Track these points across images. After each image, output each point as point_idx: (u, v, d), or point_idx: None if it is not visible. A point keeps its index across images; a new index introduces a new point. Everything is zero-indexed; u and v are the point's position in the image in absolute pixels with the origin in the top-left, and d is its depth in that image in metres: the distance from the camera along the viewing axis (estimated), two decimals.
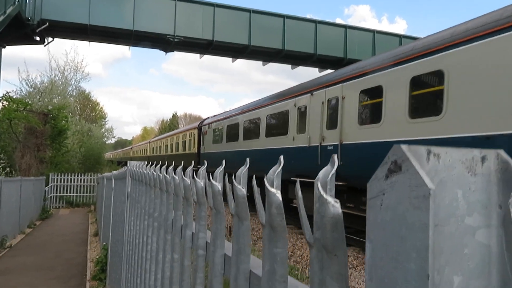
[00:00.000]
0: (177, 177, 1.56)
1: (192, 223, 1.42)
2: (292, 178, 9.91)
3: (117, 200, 4.83)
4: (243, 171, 0.96)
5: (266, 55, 17.09)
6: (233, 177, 0.97)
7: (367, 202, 0.47)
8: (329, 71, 15.34)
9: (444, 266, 0.44)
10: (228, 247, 1.08)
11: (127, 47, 17.09)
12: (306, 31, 16.50)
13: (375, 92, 8.03)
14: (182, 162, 2.45)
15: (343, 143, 8.72)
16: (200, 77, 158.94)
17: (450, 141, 6.20)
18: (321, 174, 0.62)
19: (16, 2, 11.49)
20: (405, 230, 0.41)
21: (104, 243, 7.32)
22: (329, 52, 16.79)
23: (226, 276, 1.08)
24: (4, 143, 18.49)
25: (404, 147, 0.42)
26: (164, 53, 16.38)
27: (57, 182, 18.17)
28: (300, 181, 0.66)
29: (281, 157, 0.80)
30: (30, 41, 14.15)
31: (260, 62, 18.45)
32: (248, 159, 0.99)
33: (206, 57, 17.56)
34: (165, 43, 15.24)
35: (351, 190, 8.53)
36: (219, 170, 1.14)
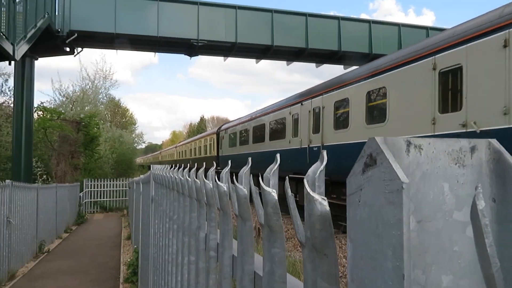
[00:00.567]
0: (190, 179, 1.56)
1: (205, 225, 1.42)
2: (289, 176, 11.05)
3: (144, 204, 4.91)
4: (244, 170, 0.94)
5: (289, 54, 17.01)
6: (240, 177, 0.96)
7: (347, 199, 0.44)
8: (354, 67, 15.11)
9: (431, 265, 0.41)
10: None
11: (153, 53, 17.42)
12: (330, 29, 16.31)
13: (344, 103, 9.84)
14: (204, 164, 2.47)
15: (324, 144, 10.43)
16: (225, 79, 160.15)
17: None
18: (310, 171, 0.59)
19: (46, 15, 11.93)
20: (381, 227, 0.38)
21: (135, 246, 7.48)
22: (354, 48, 16.52)
23: (235, 278, 1.06)
24: (41, 152, 19.23)
25: (378, 139, 0.39)
26: (189, 57, 16.60)
27: (91, 188, 18.70)
28: (295, 178, 0.66)
29: (278, 156, 0.78)
30: (60, 52, 14.65)
31: (284, 62, 18.38)
32: (250, 159, 0.97)
33: (231, 59, 17.68)
34: (189, 47, 15.44)
35: (334, 184, 10.10)
36: (225, 171, 1.13)
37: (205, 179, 1.28)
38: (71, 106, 22.62)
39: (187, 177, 1.62)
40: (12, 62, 10.17)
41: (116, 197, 19.33)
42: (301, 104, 11.91)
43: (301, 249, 0.61)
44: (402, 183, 0.36)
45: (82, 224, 15.07)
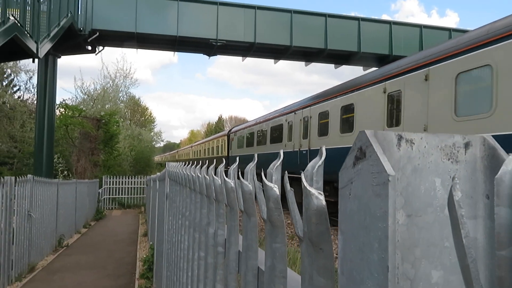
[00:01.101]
0: (200, 175, 1.58)
1: (214, 221, 1.43)
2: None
3: (160, 201, 4.98)
4: (250, 166, 0.95)
5: (308, 55, 16.94)
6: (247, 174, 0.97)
7: (338, 192, 0.45)
8: (373, 69, 14.95)
9: (420, 259, 0.41)
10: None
11: (172, 53, 17.61)
12: (349, 29, 16.18)
13: (326, 115, 11.54)
14: (214, 161, 2.49)
15: (311, 148, 12.14)
16: (244, 79, 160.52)
17: None
18: (309, 166, 0.60)
19: (69, 15, 12.20)
20: (369, 220, 0.39)
21: (151, 242, 7.58)
22: (374, 49, 16.35)
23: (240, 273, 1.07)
24: (62, 148, 19.69)
25: (368, 132, 0.39)
26: (208, 57, 16.72)
27: (109, 185, 19.01)
28: (289, 177, 0.67)
29: (281, 152, 0.78)
30: (82, 50, 14.97)
31: (303, 63, 18.32)
32: (256, 154, 0.98)
33: (249, 59, 17.74)
34: (208, 47, 15.54)
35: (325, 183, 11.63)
36: (233, 167, 1.14)
37: (214, 176, 1.29)
38: (92, 103, 23.06)
39: (198, 174, 1.64)
40: (36, 60, 10.43)
41: (134, 194, 19.58)
42: (295, 113, 13.81)
43: (299, 244, 0.62)
44: (388, 176, 0.36)
45: (100, 220, 15.35)
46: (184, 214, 2.21)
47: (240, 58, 17.53)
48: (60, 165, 17.93)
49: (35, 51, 9.38)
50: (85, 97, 23.30)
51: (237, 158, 1.34)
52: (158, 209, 5.38)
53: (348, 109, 10.32)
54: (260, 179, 0.86)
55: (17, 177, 6.94)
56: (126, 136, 28.36)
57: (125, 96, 28.72)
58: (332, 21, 16.05)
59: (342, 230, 0.44)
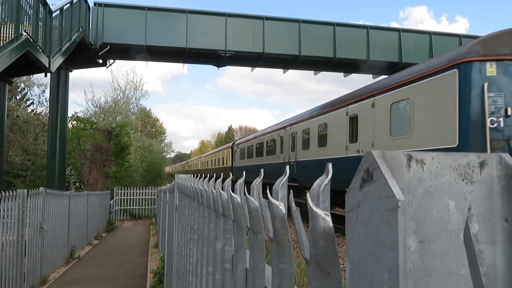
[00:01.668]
0: (208, 189, 1.56)
1: (222, 236, 1.41)
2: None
3: (170, 213, 4.97)
4: (257, 182, 0.93)
5: (317, 64, 16.94)
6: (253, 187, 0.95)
7: (345, 216, 0.42)
8: (383, 77, 14.88)
9: None
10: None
11: (182, 64, 17.75)
12: (358, 38, 16.15)
13: (307, 132, 13.27)
14: (222, 174, 2.49)
15: (297, 160, 13.88)
16: (253, 89, 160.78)
17: (329, 161, 11.54)
18: (315, 184, 0.57)
19: (80, 29, 12.41)
20: (377, 248, 0.36)
21: (162, 254, 7.56)
22: (383, 57, 16.28)
23: None
24: (74, 160, 19.87)
25: (375, 153, 0.37)
26: (217, 68, 16.82)
27: (121, 196, 19.10)
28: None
29: (287, 168, 0.76)
30: (93, 64, 15.18)
31: (312, 71, 18.32)
32: (262, 170, 0.96)
33: (258, 69, 17.78)
34: (217, 58, 15.64)
35: (306, 188, 12.43)
36: (240, 181, 1.12)
37: (220, 190, 1.27)
38: (103, 116, 23.31)
39: (205, 187, 1.62)
40: (48, 74, 10.60)
41: (145, 205, 19.63)
42: (285, 129, 15.59)
43: (306, 266, 0.59)
44: (397, 201, 0.34)
45: (112, 232, 15.39)
46: (193, 227, 2.19)
47: (249, 68, 17.60)
48: (72, 177, 18.09)
49: (47, 66, 9.53)
50: (96, 109, 23.58)
51: (240, 169, 1.33)
52: (168, 221, 5.37)
53: (323, 127, 12.20)
54: (265, 195, 0.83)
55: (29, 190, 7.00)
56: (137, 148, 28.54)
57: (135, 107, 29.05)
58: (341, 30, 16.05)
59: (349, 256, 0.41)
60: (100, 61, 15.19)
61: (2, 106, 10.35)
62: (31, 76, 20.33)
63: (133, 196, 19.38)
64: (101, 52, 14.07)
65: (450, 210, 0.39)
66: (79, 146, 19.43)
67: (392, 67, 16.14)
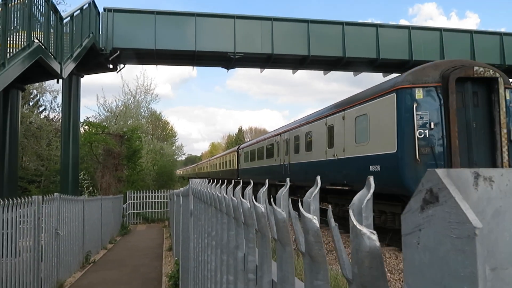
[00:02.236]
0: (227, 196, 1.53)
1: (243, 244, 1.37)
2: (276, 183, 16.94)
3: (184, 217, 4.95)
4: (283, 192, 0.89)
5: (326, 64, 16.83)
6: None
7: (402, 239, 0.38)
8: (394, 75, 14.73)
9: None
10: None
11: (191, 67, 17.79)
12: (367, 36, 16.01)
13: (298, 138, 15.09)
14: (229, 182, 2.49)
15: (290, 162, 15.78)
16: (263, 90, 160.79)
17: (313, 164, 13.27)
18: (356, 199, 0.53)
19: (91, 35, 12.51)
20: (448, 279, 0.32)
21: (176, 258, 7.56)
22: (393, 55, 16.11)
23: None
24: (87, 165, 20.06)
25: (440, 172, 0.33)
26: (226, 70, 16.82)
27: (133, 199, 19.19)
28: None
29: (318, 178, 0.72)
30: (104, 69, 15.30)
31: (321, 72, 18.22)
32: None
33: (268, 70, 17.74)
34: (227, 60, 15.64)
35: (298, 187, 14.57)
36: (262, 190, 1.08)
37: (242, 198, 1.24)
38: (114, 120, 23.50)
39: (224, 194, 1.59)
40: (60, 80, 10.70)
41: (157, 208, 19.69)
42: (280, 135, 17.51)
43: (348, 286, 0.55)
44: (474, 228, 0.30)
45: (125, 235, 15.48)
46: (210, 233, 2.16)
47: (258, 69, 17.58)
48: (85, 181, 18.26)
49: (59, 72, 9.62)
50: (107, 114, 23.78)
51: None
52: (183, 225, 5.36)
53: (309, 135, 14.00)
54: (295, 207, 0.80)
55: (44, 196, 7.06)
56: (149, 151, 28.70)
57: (146, 111, 29.21)
58: (350, 29, 15.93)
59: (409, 283, 0.37)
60: (111, 66, 15.31)
61: (16, 113, 10.47)
62: (43, 82, 20.59)
63: (146, 199, 19.44)
64: (112, 57, 14.17)
65: None
66: (92, 151, 19.60)
67: (402, 65, 15.97)
